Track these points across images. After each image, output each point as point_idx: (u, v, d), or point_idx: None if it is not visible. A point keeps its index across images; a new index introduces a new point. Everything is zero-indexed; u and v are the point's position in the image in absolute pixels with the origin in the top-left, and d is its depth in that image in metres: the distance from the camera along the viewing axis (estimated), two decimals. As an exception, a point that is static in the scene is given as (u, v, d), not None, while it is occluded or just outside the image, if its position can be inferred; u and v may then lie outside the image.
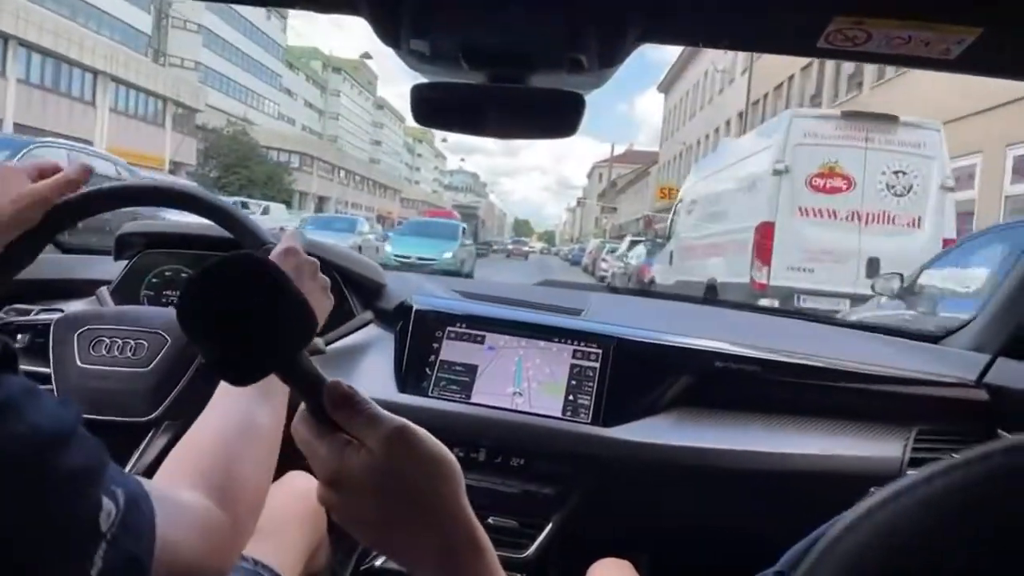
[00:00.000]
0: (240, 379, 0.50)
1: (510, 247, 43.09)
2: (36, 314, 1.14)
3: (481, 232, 38.30)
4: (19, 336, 1.10)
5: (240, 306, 0.46)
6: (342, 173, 54.67)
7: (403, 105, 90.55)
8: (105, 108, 27.14)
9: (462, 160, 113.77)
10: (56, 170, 0.92)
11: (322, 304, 0.92)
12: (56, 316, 1.08)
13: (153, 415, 1.01)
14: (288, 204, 37.26)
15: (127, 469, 1.00)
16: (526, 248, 42.88)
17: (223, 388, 0.75)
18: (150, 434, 1.03)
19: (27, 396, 0.41)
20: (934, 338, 1.56)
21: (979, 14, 0.60)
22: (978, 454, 0.31)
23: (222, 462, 0.67)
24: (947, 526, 0.30)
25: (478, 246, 30.94)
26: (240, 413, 0.72)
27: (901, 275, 4.74)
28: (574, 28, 0.69)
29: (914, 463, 1.21)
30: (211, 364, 0.48)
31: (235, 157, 34.53)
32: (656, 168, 44.12)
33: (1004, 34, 0.63)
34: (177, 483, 0.63)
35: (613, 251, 21.57)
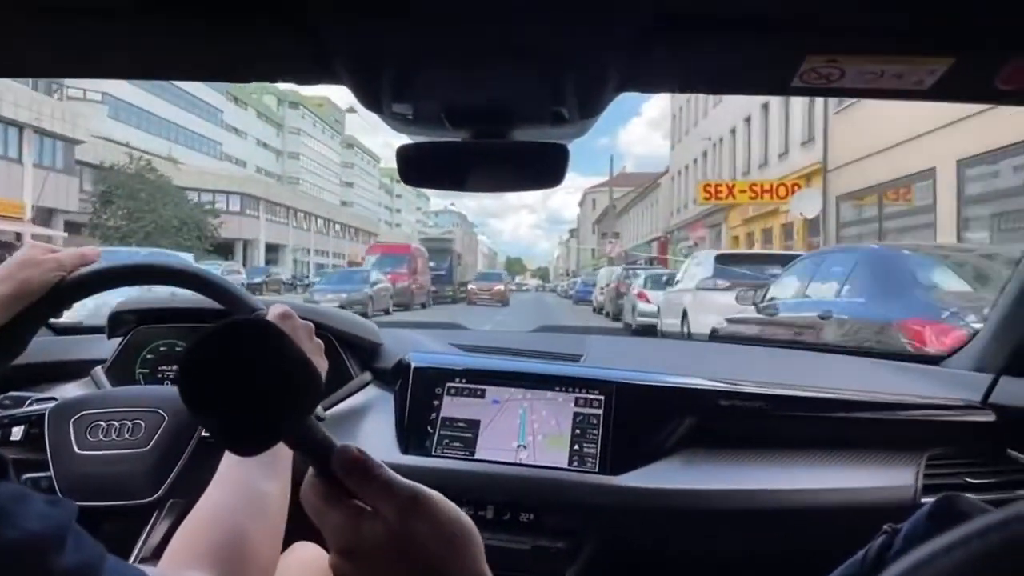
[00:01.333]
0: (248, 449, 0.48)
1: (473, 287, 28.39)
2: (30, 404, 1.12)
3: (458, 270, 31.41)
4: (14, 429, 1.08)
5: (243, 371, 0.45)
6: (300, 216, 48.73)
7: (377, 144, 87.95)
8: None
9: (452, 204, 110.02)
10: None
11: (319, 366, 0.91)
12: (49, 406, 1.07)
13: (156, 495, 1.00)
14: (223, 254, 33.12)
15: (134, 552, 0.98)
16: (501, 287, 27.87)
17: (227, 462, 0.74)
18: (155, 515, 1.01)
19: (17, 502, 0.40)
20: (934, 360, 1.56)
21: (948, 44, 0.61)
22: (995, 521, 0.31)
23: (228, 539, 0.65)
24: None
25: (451, 289, 28.19)
26: (245, 487, 0.71)
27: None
28: (554, 83, 0.70)
29: (928, 490, 1.19)
30: (217, 436, 0.47)
31: (142, 200, 28.37)
32: (667, 179, 38.09)
33: (974, 61, 0.64)
34: (184, 563, 0.62)
35: (657, 281, 13.83)
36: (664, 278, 13.86)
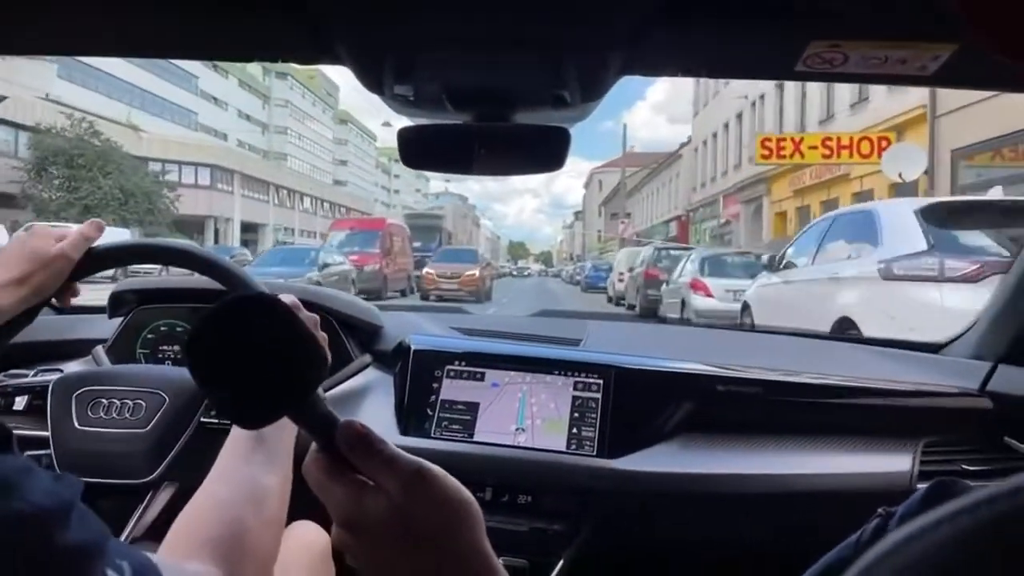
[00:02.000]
0: (253, 421, 0.49)
1: (429, 271, 18.92)
2: (35, 375, 1.13)
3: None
4: (17, 399, 1.09)
5: (252, 346, 0.46)
6: (283, 194, 44.02)
7: (373, 122, 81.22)
8: None
9: (448, 182, 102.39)
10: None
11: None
12: (54, 377, 1.08)
13: (152, 476, 1.00)
14: (190, 231, 29.43)
15: (127, 530, 0.98)
16: (474, 271, 18.72)
17: (226, 451, 0.74)
18: (150, 495, 1.02)
19: (24, 474, 0.40)
20: (933, 347, 1.56)
21: (952, 30, 0.61)
22: (984, 496, 0.31)
23: (229, 529, 0.66)
24: (974, 568, 0.30)
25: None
26: (245, 480, 0.71)
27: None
28: (556, 66, 0.70)
29: (924, 476, 1.20)
30: (222, 407, 0.48)
31: (80, 168, 24.38)
32: (689, 151, 33.20)
33: (980, 48, 0.63)
34: (184, 553, 0.62)
35: (720, 266, 10.19)
36: (733, 261, 10.24)
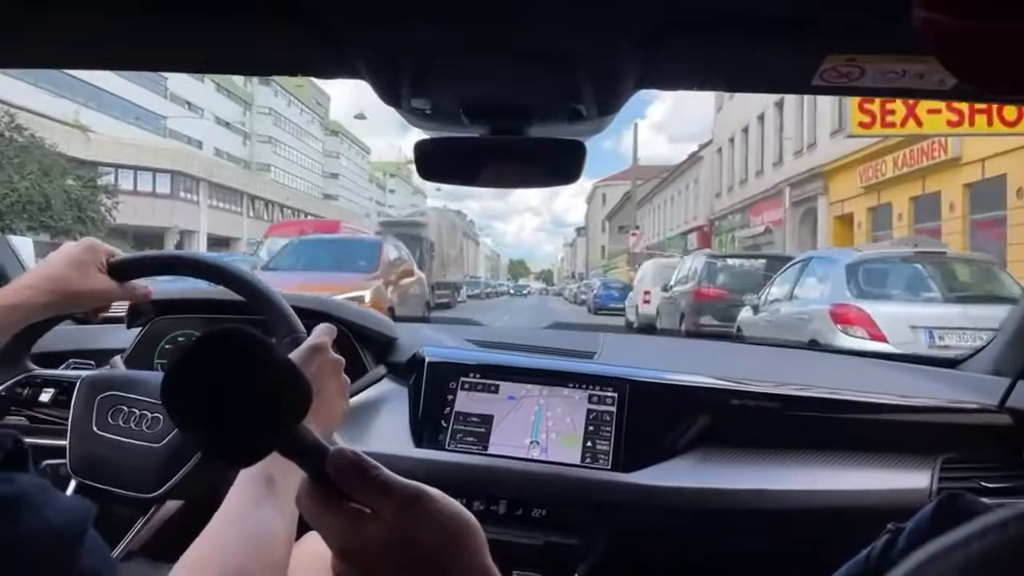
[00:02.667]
0: (238, 461, 0.47)
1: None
2: (65, 367, 1.14)
3: (431, 264, 20.42)
4: (45, 391, 1.11)
5: (225, 386, 0.44)
6: (259, 205, 40.28)
7: (365, 131, 78.42)
8: None
9: (444, 200, 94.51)
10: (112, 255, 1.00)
11: (338, 407, 0.88)
12: (84, 373, 1.09)
13: (158, 492, 1.01)
14: (143, 244, 25.00)
15: (123, 543, 1.00)
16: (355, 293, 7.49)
17: (235, 493, 0.73)
18: (152, 511, 1.03)
19: (41, 492, 0.40)
20: (951, 363, 1.54)
21: None
22: (993, 522, 0.31)
23: (233, 572, 0.65)
24: None
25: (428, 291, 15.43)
26: (253, 523, 0.70)
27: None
28: (572, 80, 0.70)
29: (942, 493, 1.18)
30: (204, 450, 0.47)
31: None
32: (710, 152, 28.83)
33: None
34: None
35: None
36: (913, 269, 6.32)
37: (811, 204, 18.75)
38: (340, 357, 0.89)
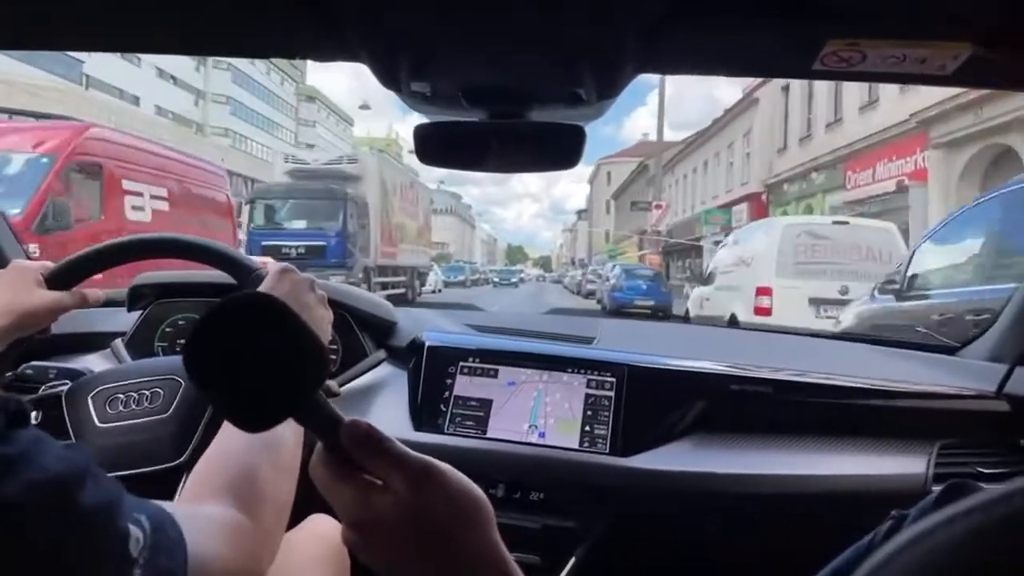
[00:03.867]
0: (256, 424, 0.48)
1: None
2: (44, 390, 1.13)
3: (361, 237, 14.78)
4: (32, 414, 1.10)
5: (247, 350, 0.45)
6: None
7: (350, 103, 69.16)
8: None
9: (441, 182, 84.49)
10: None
11: (323, 316, 0.92)
12: (64, 388, 1.08)
13: (181, 459, 1.01)
14: None
15: None
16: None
17: None
18: (184, 477, 1.03)
19: (38, 444, 0.42)
20: (950, 349, 1.55)
21: (972, 30, 0.60)
22: (997, 495, 0.31)
23: (244, 471, 0.67)
24: (977, 568, 0.30)
25: (346, 278, 12.18)
26: None
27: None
28: (572, 63, 0.70)
29: (939, 478, 1.19)
30: (224, 410, 0.47)
31: None
32: (767, 93, 20.58)
33: (998, 48, 0.63)
34: (201, 496, 0.64)
35: None
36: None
37: (987, 145, 11.59)
38: (309, 276, 0.92)
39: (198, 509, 0.59)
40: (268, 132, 52.04)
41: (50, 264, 1.04)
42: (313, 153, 48.57)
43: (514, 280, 43.64)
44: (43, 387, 1.16)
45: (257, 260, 1.06)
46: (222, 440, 0.72)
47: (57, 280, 1.03)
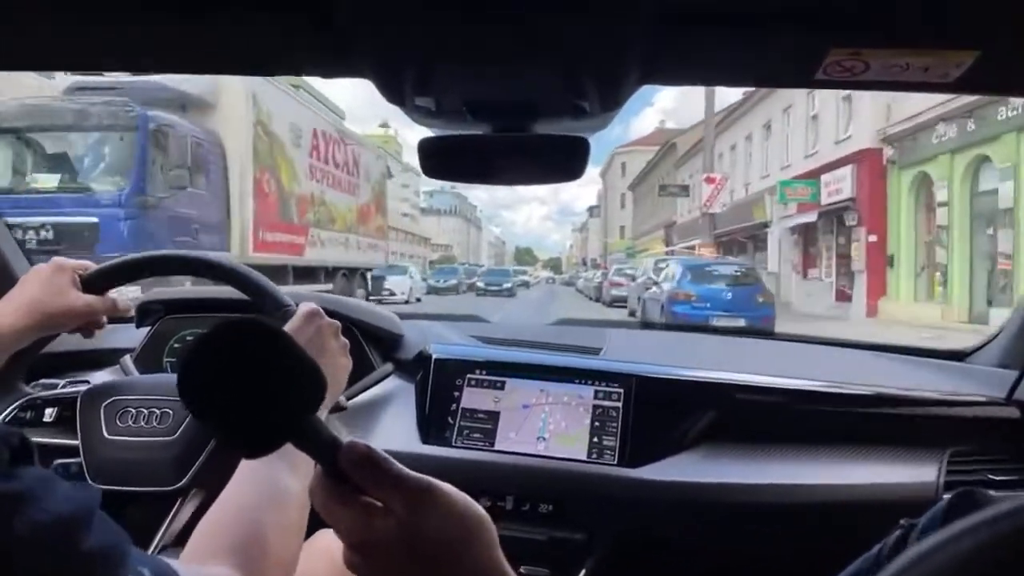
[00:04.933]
0: (251, 451, 0.47)
1: None
2: (63, 387, 1.15)
3: (204, 206, 8.69)
4: (47, 410, 1.11)
5: (240, 373, 0.44)
6: None
7: (343, 96, 63.92)
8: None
9: (453, 186, 77.01)
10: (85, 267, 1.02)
11: (343, 365, 0.92)
12: (83, 388, 1.10)
13: (180, 483, 1.02)
14: None
15: (157, 538, 1.00)
16: None
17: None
18: (178, 502, 1.03)
19: (44, 484, 0.41)
20: (959, 356, 1.54)
21: (975, 38, 0.61)
22: (1004, 510, 0.31)
23: (249, 532, 0.66)
24: None
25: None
26: (266, 484, 0.72)
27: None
28: (574, 76, 0.70)
29: (949, 486, 1.18)
30: (220, 438, 0.47)
31: None
32: None
33: (1001, 55, 0.63)
34: (206, 556, 0.62)
35: None
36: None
37: None
38: (335, 321, 0.92)
39: (201, 570, 0.57)
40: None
41: (88, 264, 1.04)
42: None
43: (507, 285, 28.87)
44: (62, 384, 1.17)
45: (288, 297, 1.05)
46: (228, 498, 0.70)
47: (93, 284, 1.02)
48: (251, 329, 0.46)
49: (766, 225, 19.87)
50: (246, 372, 0.44)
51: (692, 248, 20.79)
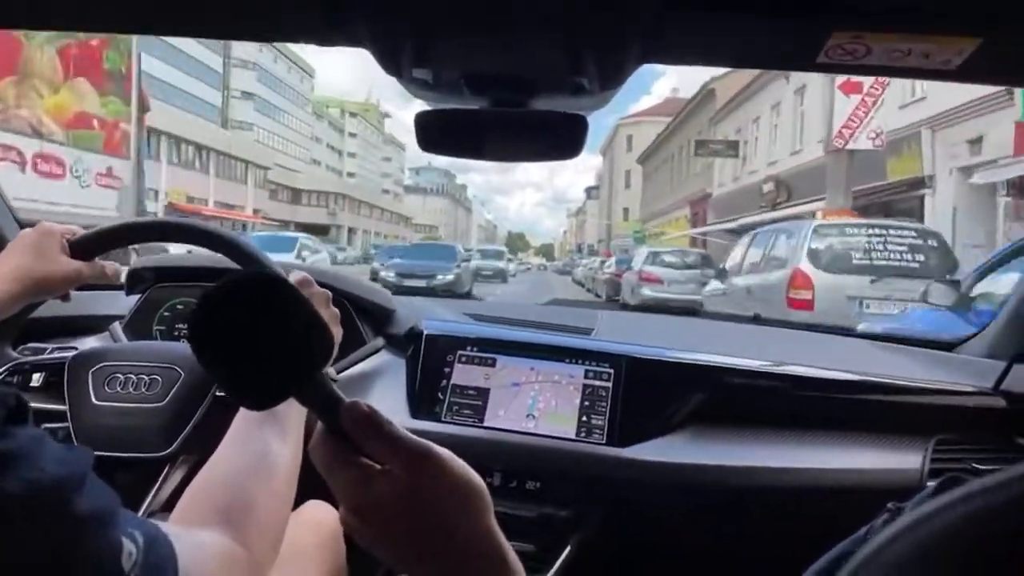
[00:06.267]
0: (258, 403, 0.48)
1: None
2: (51, 352, 1.15)
3: None
4: (35, 375, 1.11)
5: (254, 325, 0.45)
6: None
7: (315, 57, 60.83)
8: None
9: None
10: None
11: (334, 334, 0.93)
12: (71, 354, 1.09)
13: (169, 450, 1.02)
14: None
15: (145, 504, 1.00)
16: None
17: (238, 421, 0.75)
18: (167, 469, 1.03)
19: (37, 444, 0.41)
20: (948, 346, 1.55)
21: (978, 25, 0.60)
22: (996, 480, 0.31)
23: (238, 496, 0.66)
24: (975, 552, 0.30)
25: None
26: (255, 445, 0.72)
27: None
28: (575, 52, 0.70)
29: (934, 474, 1.19)
30: (227, 389, 0.47)
31: None
32: None
33: (1003, 43, 0.63)
34: (194, 521, 0.62)
35: None
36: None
37: None
38: (325, 289, 0.93)
39: (192, 533, 0.58)
40: (196, 78, 41.55)
41: (76, 229, 1.02)
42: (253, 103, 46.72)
43: (501, 266, 22.68)
44: (48, 351, 1.16)
45: (279, 267, 1.06)
46: (217, 463, 0.71)
47: (82, 248, 1.00)
48: (266, 282, 0.47)
49: (922, 183, 12.05)
50: (259, 324, 0.45)
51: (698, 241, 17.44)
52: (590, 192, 68.76)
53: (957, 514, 0.31)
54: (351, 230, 51.45)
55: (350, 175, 68.40)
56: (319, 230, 42.00)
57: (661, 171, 34.90)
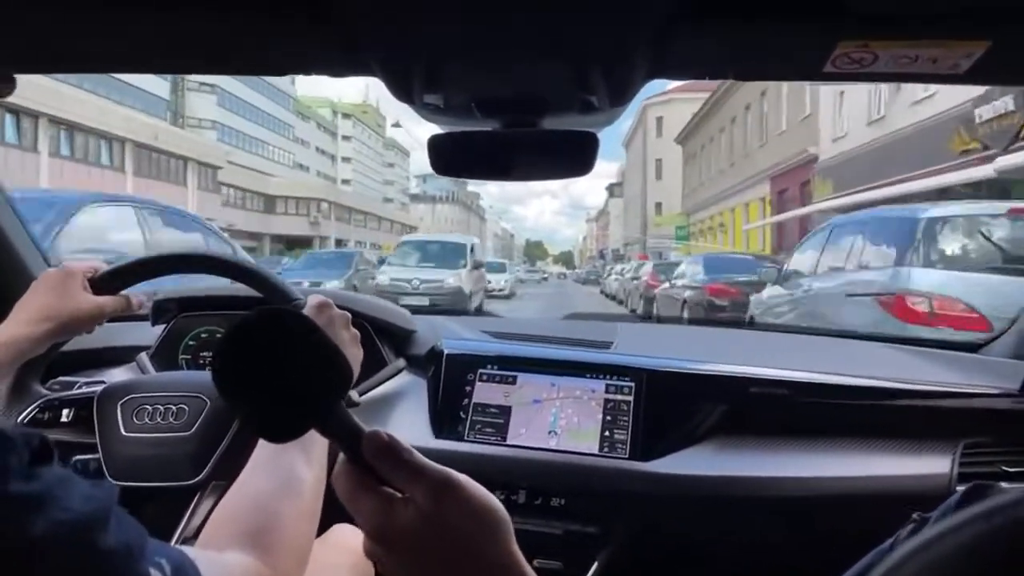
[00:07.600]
0: (278, 436, 0.49)
1: None
2: (79, 387, 1.17)
3: None
4: (64, 411, 1.13)
5: (272, 360, 0.46)
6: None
7: None
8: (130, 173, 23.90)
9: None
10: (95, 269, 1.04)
11: (354, 355, 0.95)
12: (99, 389, 1.11)
13: (199, 477, 1.03)
14: None
15: (177, 533, 1.01)
16: None
17: (263, 447, 0.76)
18: (198, 496, 1.04)
19: (63, 484, 0.42)
20: (972, 347, 1.53)
21: (985, 28, 0.60)
22: (1005, 501, 0.31)
23: (264, 519, 0.67)
24: (997, 568, 0.30)
25: None
26: (280, 469, 0.73)
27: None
28: (583, 71, 0.70)
29: (963, 478, 1.17)
30: (247, 423, 0.49)
31: None
32: None
33: (1012, 45, 0.63)
34: (220, 543, 0.63)
35: None
36: None
37: None
38: (345, 312, 0.95)
39: (218, 556, 0.59)
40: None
41: (98, 266, 1.06)
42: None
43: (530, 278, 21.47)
44: (77, 386, 1.19)
45: (299, 292, 1.09)
46: (242, 486, 0.72)
47: (102, 284, 1.04)
48: (281, 317, 0.48)
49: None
50: (279, 358, 0.47)
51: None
52: (612, 190, 63.09)
53: (973, 532, 0.31)
54: (339, 242, 44.28)
55: (345, 182, 63.00)
56: (299, 243, 39.33)
57: (710, 149, 28.60)
